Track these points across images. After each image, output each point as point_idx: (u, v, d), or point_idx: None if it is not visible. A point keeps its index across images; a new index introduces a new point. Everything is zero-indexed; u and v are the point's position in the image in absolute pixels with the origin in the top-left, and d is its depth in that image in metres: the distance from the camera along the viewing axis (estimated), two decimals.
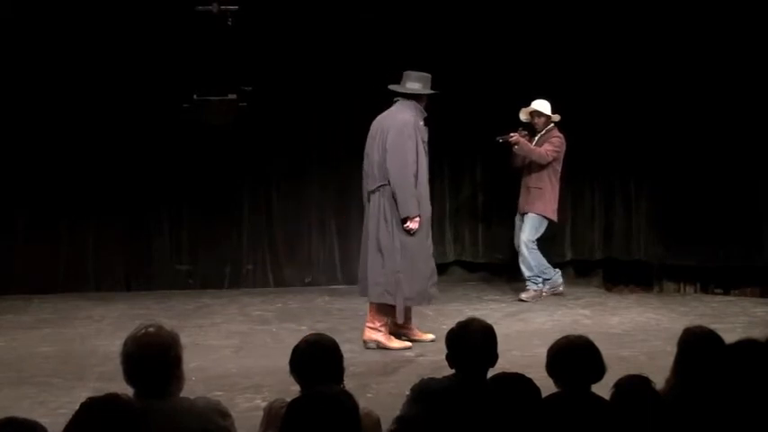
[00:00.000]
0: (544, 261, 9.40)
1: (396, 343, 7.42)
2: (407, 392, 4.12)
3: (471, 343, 4.03)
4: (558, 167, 9.35)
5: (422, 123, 7.42)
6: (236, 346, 7.59)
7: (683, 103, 9.63)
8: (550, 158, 9.25)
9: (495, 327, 4.15)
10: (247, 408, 5.65)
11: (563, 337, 3.98)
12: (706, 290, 9.77)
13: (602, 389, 3.77)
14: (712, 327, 4.16)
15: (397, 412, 3.99)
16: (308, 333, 4.09)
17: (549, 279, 9.45)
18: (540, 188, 9.30)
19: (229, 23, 8.85)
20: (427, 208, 7.45)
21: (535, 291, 9.31)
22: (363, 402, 3.41)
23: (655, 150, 9.87)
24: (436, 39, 9.91)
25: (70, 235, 9.93)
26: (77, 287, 9.83)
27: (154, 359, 3.44)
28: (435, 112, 9.85)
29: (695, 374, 3.86)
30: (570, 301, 9.35)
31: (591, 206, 10.45)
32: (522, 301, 9.21)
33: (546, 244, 10.47)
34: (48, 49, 9.48)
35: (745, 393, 3.72)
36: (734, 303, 9.15)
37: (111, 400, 3.12)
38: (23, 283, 9.66)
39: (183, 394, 3.56)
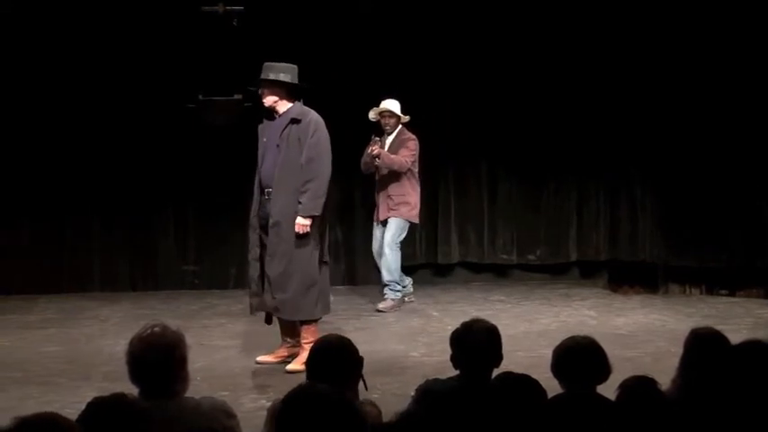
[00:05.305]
0: (399, 266, 9.11)
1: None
2: (412, 393, 4.12)
3: (476, 344, 4.02)
4: (416, 170, 9.04)
5: (263, 122, 7.05)
6: (242, 346, 7.59)
7: (688, 105, 9.61)
8: (410, 165, 8.95)
9: (500, 327, 4.15)
10: (252, 408, 5.65)
11: (569, 338, 3.97)
12: (711, 291, 9.74)
13: (608, 390, 3.77)
14: (717, 328, 4.15)
15: None
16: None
17: (405, 286, 9.20)
18: (403, 194, 8.97)
19: (235, 24, 8.85)
20: (256, 209, 6.92)
21: (393, 300, 9.00)
22: None
23: (660, 152, 9.86)
24: (440, 38, 9.93)
25: (75, 235, 9.94)
26: (83, 287, 9.84)
27: (159, 359, 3.44)
28: (439, 113, 9.90)
29: (701, 375, 3.86)
30: (576, 301, 9.35)
31: (596, 207, 10.44)
32: (380, 311, 8.86)
33: (551, 246, 10.48)
34: (53, 49, 9.49)
35: (751, 394, 3.72)
36: (739, 305, 9.13)
37: (117, 399, 3.12)
38: (29, 284, 9.67)
39: (188, 394, 3.55)
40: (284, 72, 6.79)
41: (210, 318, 8.72)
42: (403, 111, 9.03)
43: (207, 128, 9.31)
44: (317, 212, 6.72)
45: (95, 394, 3.22)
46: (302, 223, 6.66)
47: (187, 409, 3.47)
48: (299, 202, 6.67)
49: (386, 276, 9.03)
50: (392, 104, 9.02)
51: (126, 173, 9.80)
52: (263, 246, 6.81)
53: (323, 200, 6.74)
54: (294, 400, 2.88)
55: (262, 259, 6.80)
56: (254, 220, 6.89)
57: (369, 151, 8.85)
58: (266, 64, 6.87)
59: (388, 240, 8.96)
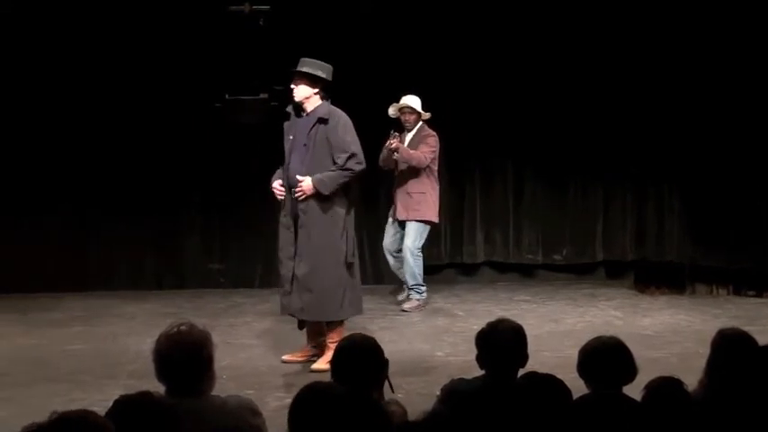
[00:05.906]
0: (422, 270, 9.02)
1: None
2: (438, 393, 4.12)
3: (501, 343, 4.01)
4: (436, 167, 8.92)
5: (290, 119, 6.99)
6: (267, 344, 7.61)
7: (715, 105, 9.57)
8: (429, 161, 8.83)
9: (525, 327, 4.13)
10: (278, 406, 5.65)
11: (595, 338, 3.96)
12: (739, 292, 9.66)
13: (634, 390, 3.75)
14: (745, 329, 4.12)
15: None
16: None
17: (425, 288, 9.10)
18: (423, 192, 8.84)
19: (261, 23, 8.87)
20: (287, 208, 6.86)
21: (418, 300, 8.95)
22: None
23: (687, 152, 9.81)
24: (467, 37, 9.91)
25: (102, 233, 9.98)
26: (109, 285, 9.89)
27: (186, 357, 3.45)
28: (465, 112, 9.86)
29: (728, 376, 3.84)
30: (602, 302, 9.32)
31: (622, 207, 10.40)
32: (405, 311, 8.83)
33: (577, 246, 10.44)
34: (81, 48, 9.54)
35: None
36: (767, 305, 9.06)
37: (143, 397, 3.13)
38: (55, 282, 9.71)
39: (214, 392, 3.56)
40: (321, 69, 6.80)
41: (236, 316, 8.75)
42: (426, 108, 8.95)
43: (233, 127, 9.33)
44: (325, 191, 6.67)
45: (122, 392, 3.24)
46: (307, 185, 6.66)
47: (213, 407, 3.48)
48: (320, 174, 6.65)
49: (410, 281, 8.98)
50: (412, 100, 8.91)
51: (152, 171, 9.85)
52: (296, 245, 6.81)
53: (336, 189, 6.71)
54: (302, 399, 2.88)
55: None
56: (286, 219, 6.84)
57: (387, 145, 8.74)
58: (303, 59, 6.86)
59: (409, 246, 8.86)
